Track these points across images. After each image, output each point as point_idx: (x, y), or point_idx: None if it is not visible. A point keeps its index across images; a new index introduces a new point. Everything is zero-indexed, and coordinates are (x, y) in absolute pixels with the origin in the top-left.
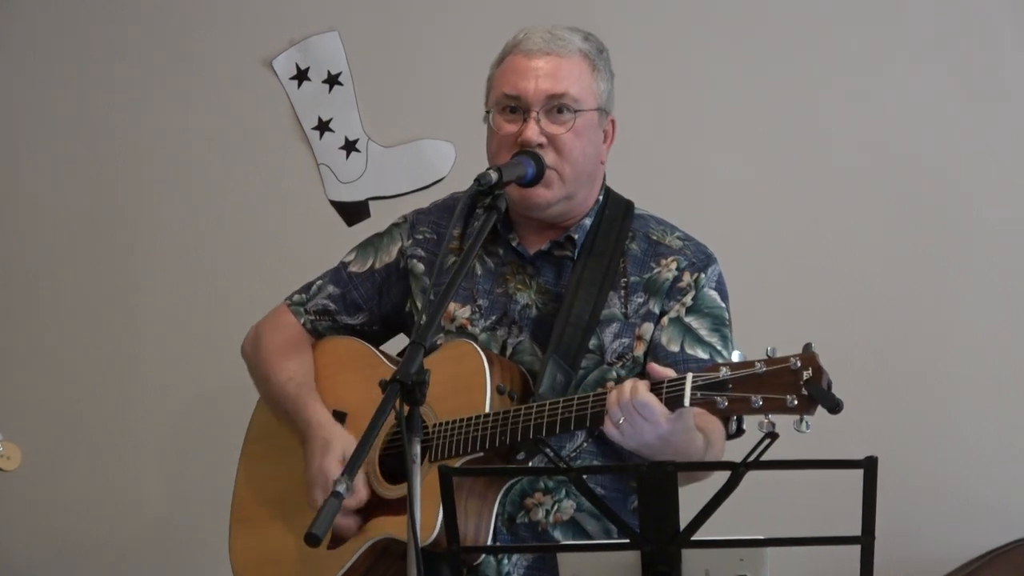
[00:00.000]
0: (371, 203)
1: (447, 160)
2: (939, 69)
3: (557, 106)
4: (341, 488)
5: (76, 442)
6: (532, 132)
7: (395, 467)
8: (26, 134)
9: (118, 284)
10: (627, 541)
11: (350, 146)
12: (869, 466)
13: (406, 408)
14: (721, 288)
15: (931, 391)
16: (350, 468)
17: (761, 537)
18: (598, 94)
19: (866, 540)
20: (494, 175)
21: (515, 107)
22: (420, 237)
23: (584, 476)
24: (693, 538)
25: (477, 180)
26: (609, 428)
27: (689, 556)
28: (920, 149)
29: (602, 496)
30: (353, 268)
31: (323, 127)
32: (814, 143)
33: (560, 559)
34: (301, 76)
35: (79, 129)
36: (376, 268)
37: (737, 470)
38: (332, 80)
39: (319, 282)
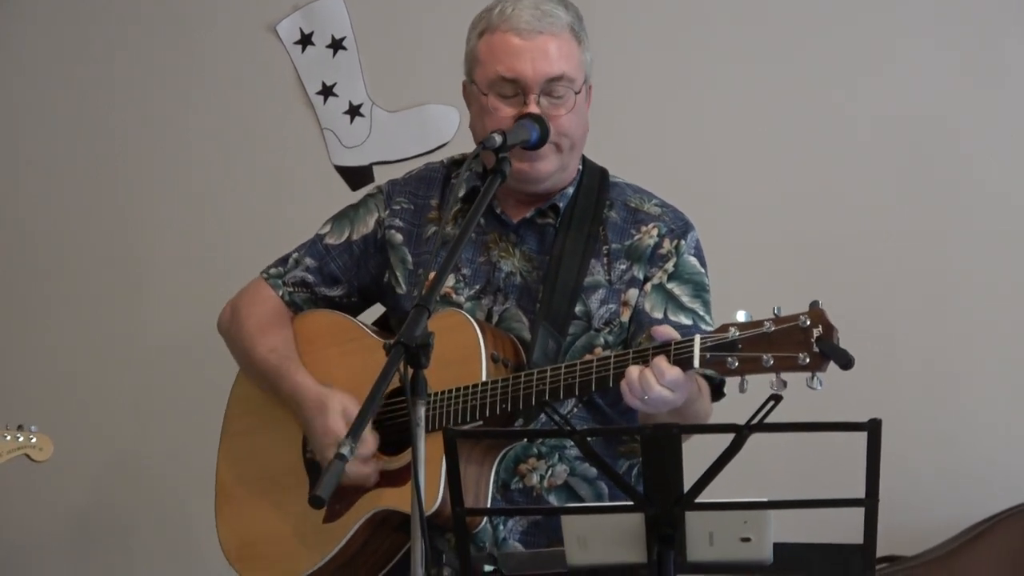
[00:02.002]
0: (375, 168)
1: (451, 125)
2: (944, 41)
3: (553, 88)
4: (345, 450)
5: (81, 430)
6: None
7: (390, 438)
8: (29, 101)
9: (121, 257)
10: (631, 504)
11: (354, 111)
12: (873, 428)
13: (410, 371)
14: (700, 254)
15: (935, 354)
16: (354, 430)
17: (765, 500)
18: (585, 67)
19: (870, 503)
20: (498, 138)
21: (512, 92)
22: (397, 208)
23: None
24: (697, 500)
25: (482, 143)
26: (633, 401)
27: (693, 518)
28: (928, 124)
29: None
30: (329, 240)
31: (327, 92)
32: (822, 121)
33: (564, 522)
34: (305, 41)
35: (79, 102)
36: (353, 240)
37: (741, 433)
38: (336, 45)
39: (295, 255)
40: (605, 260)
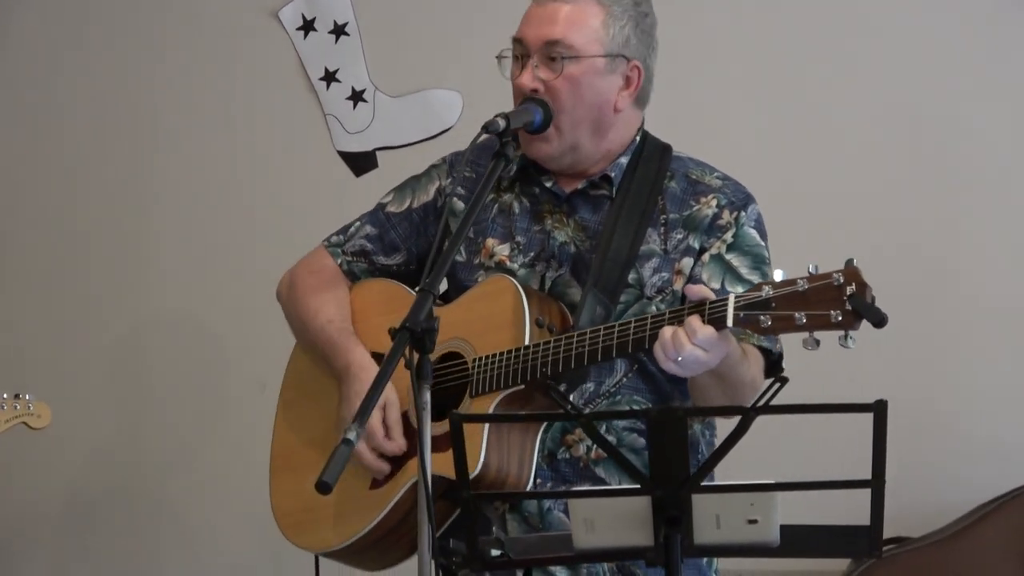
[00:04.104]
0: (378, 153)
1: (454, 110)
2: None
3: (551, 53)
4: (351, 435)
5: (75, 406)
6: (526, 78)
7: (435, 401)
8: (34, 85)
9: (123, 242)
10: (637, 487)
11: (357, 96)
12: (879, 410)
13: (415, 355)
14: (760, 227)
15: (940, 336)
16: (361, 415)
17: (771, 481)
18: (607, 39)
19: (876, 484)
20: (501, 122)
21: (520, 53)
22: (459, 176)
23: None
24: (703, 483)
25: (484, 127)
26: (667, 363)
27: (699, 501)
28: (934, 86)
29: (641, 432)
30: (390, 208)
31: (330, 77)
32: (823, 116)
33: (571, 505)
34: (307, 27)
35: (81, 89)
36: (414, 208)
37: (747, 415)
38: (338, 30)
39: (356, 223)
40: (662, 229)
